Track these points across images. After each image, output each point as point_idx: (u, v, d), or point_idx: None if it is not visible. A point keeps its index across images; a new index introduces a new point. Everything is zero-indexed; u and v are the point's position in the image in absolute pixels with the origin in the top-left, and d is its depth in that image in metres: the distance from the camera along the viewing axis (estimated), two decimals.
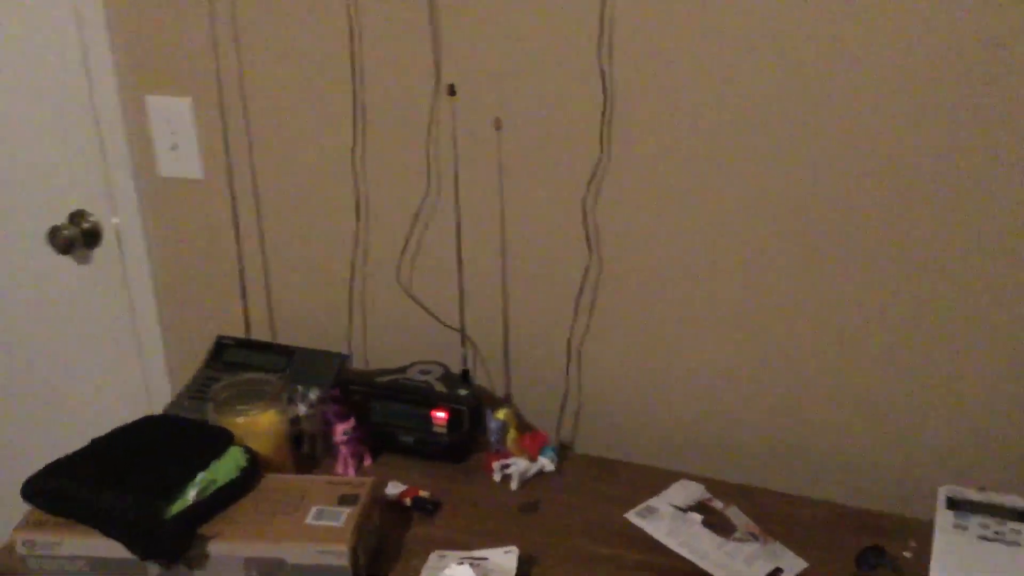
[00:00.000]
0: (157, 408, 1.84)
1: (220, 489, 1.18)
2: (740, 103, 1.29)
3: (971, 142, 1.20)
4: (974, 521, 1.19)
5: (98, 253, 1.82)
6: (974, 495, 1.23)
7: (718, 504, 1.29)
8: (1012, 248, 1.22)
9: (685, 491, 1.31)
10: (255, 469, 1.24)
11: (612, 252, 1.44)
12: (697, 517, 1.26)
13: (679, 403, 1.46)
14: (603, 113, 1.37)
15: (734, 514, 1.27)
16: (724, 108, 1.30)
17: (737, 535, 1.23)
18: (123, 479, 1.15)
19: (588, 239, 1.44)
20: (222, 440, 1.25)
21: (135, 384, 1.87)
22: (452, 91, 1.36)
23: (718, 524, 1.26)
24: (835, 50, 1.22)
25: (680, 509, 1.28)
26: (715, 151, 1.32)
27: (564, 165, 1.42)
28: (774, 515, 1.29)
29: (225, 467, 1.20)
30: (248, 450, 1.25)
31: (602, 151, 1.39)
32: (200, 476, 1.17)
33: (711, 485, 1.36)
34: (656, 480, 1.37)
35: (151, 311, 1.80)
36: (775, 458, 1.42)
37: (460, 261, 1.44)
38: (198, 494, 1.16)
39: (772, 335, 1.37)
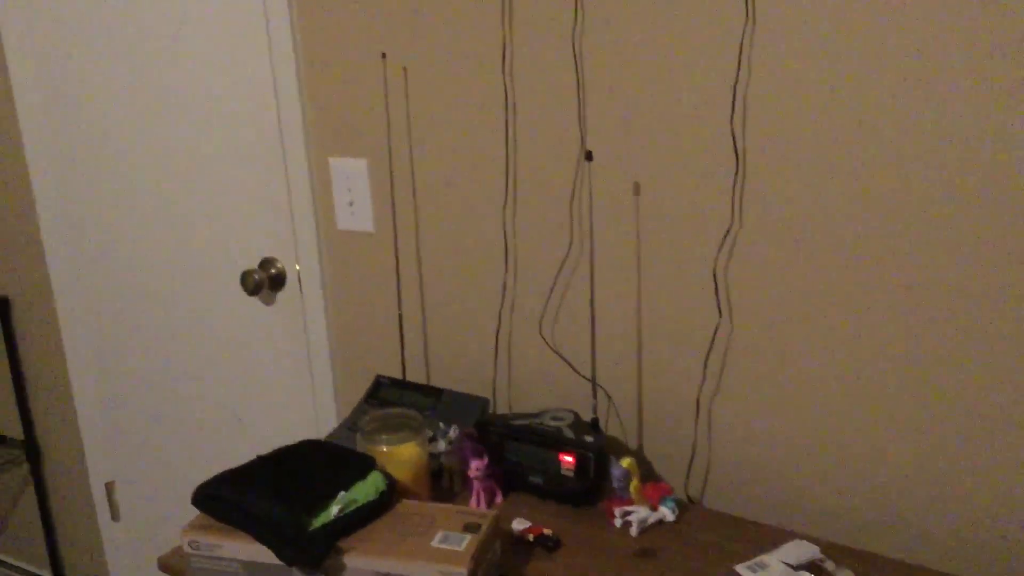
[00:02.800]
0: (323, 435, 2.02)
1: (359, 508, 1.31)
2: (873, 172, 1.33)
3: None
4: None
5: (282, 296, 2.03)
6: None
7: (830, 565, 1.31)
8: None
9: (798, 550, 1.34)
10: (392, 493, 1.36)
11: (742, 314, 1.49)
12: None
13: (804, 465, 1.49)
14: (735, 181, 1.44)
15: (843, 575, 1.28)
16: (854, 177, 1.35)
17: None
18: (277, 492, 1.30)
19: (718, 301, 1.51)
20: (365, 465, 1.39)
21: (306, 413, 2.07)
22: (589, 157, 1.47)
23: None
24: (981, 111, 1.25)
25: (791, 567, 1.31)
26: (846, 219, 1.37)
27: (697, 229, 1.50)
28: None
29: (366, 489, 1.34)
30: (387, 475, 1.38)
31: (733, 218, 1.46)
32: (342, 495, 1.31)
33: (827, 547, 1.37)
34: (773, 537, 1.41)
35: (324, 349, 1.99)
36: (896, 525, 1.42)
37: (593, 316, 1.54)
38: (340, 511, 1.29)
39: (902, 406, 1.38)
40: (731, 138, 1.43)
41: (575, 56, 1.54)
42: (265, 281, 2.01)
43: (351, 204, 1.88)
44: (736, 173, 1.44)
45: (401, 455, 1.45)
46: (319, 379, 2.02)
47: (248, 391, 2.15)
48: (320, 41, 1.82)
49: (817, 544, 1.37)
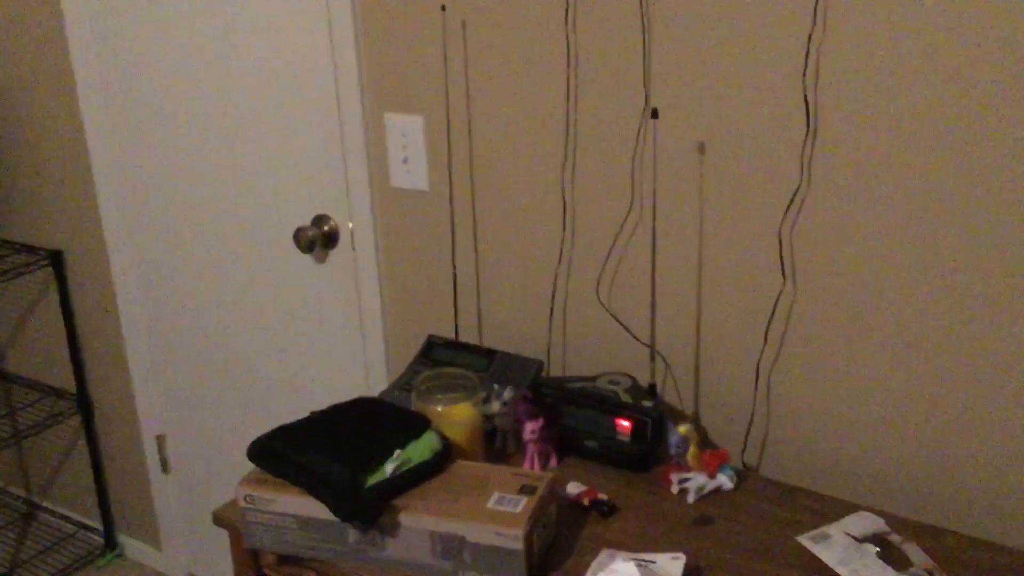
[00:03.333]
0: (373, 394, 2.02)
1: (414, 467, 1.29)
2: (954, 134, 1.28)
3: None
4: None
5: (334, 253, 2.02)
6: None
7: (896, 538, 1.27)
8: None
9: (863, 522, 1.30)
10: (447, 453, 1.35)
11: (807, 280, 1.45)
12: (872, 548, 1.25)
13: (868, 436, 1.45)
14: (804, 140, 1.39)
15: (912, 550, 1.25)
16: (932, 139, 1.29)
17: (913, 571, 1.21)
18: (332, 449, 1.29)
19: (783, 266, 1.46)
20: (420, 424, 1.37)
21: (357, 372, 2.06)
22: (655, 114, 1.43)
23: (894, 558, 1.24)
24: None
25: (855, 539, 1.27)
26: (919, 184, 1.31)
27: (763, 191, 1.45)
28: (955, 557, 1.25)
29: (420, 448, 1.32)
30: (442, 436, 1.37)
31: (801, 178, 1.41)
32: (397, 453, 1.30)
33: (892, 521, 1.34)
34: (835, 509, 1.37)
35: (376, 308, 1.97)
36: (965, 500, 1.37)
37: (653, 279, 1.50)
38: (395, 470, 1.28)
39: (974, 375, 1.33)
40: (803, 95, 1.38)
41: (641, 9, 1.49)
42: (318, 238, 1.99)
43: (406, 161, 1.85)
44: (807, 132, 1.39)
45: (455, 415, 1.43)
46: (370, 338, 2.00)
47: (299, 348, 2.15)
48: None
49: (883, 517, 1.34)
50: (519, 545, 1.21)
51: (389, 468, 1.28)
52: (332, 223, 2.00)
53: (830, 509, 1.37)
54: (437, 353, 1.74)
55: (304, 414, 1.42)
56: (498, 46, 1.66)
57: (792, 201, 1.43)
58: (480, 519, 1.23)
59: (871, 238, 1.37)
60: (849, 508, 1.37)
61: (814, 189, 1.41)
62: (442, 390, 1.45)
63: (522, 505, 1.25)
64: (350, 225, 1.97)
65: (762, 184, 1.45)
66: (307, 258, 2.06)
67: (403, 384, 1.68)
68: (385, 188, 1.90)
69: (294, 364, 2.17)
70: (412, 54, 1.77)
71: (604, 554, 1.27)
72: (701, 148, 1.50)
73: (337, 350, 2.08)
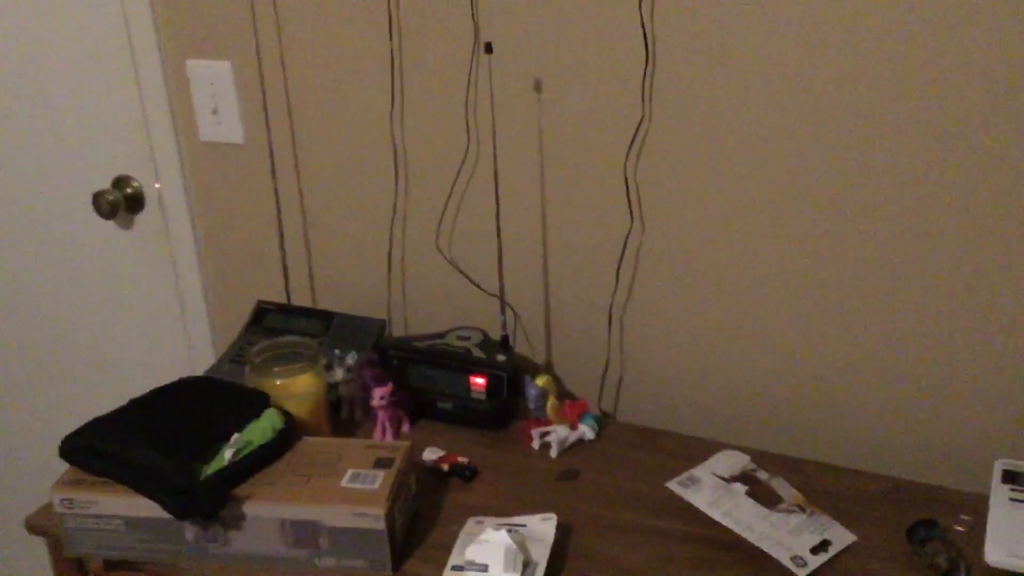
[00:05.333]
0: (199, 372, 1.85)
1: (256, 451, 1.17)
2: (790, 57, 1.24)
3: None
4: None
5: (141, 218, 1.82)
6: None
7: (763, 475, 1.26)
8: None
9: (729, 461, 1.28)
10: (291, 431, 1.23)
11: (655, 217, 1.40)
12: (741, 488, 1.22)
13: (723, 373, 1.43)
14: (644, 72, 1.33)
15: (780, 485, 1.23)
16: (771, 64, 1.25)
17: (782, 506, 1.19)
18: (160, 439, 1.14)
19: (629, 205, 1.41)
20: (258, 402, 1.24)
21: (179, 349, 1.88)
22: (489, 49, 1.33)
23: (763, 495, 1.22)
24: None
25: (723, 479, 1.25)
26: (762, 111, 1.28)
27: (605, 128, 1.38)
28: (821, 487, 1.25)
29: (261, 429, 1.19)
30: (284, 412, 1.24)
31: (644, 112, 1.35)
32: (236, 437, 1.17)
33: (756, 456, 1.32)
34: (699, 450, 1.34)
35: (194, 276, 1.80)
36: (823, 430, 1.38)
37: (499, 226, 1.41)
38: (234, 455, 1.15)
39: (823, 304, 1.33)
40: (640, 25, 1.31)
41: None
42: (121, 202, 1.80)
43: (215, 112, 1.68)
44: (646, 64, 1.33)
45: (297, 388, 1.30)
46: (191, 308, 1.83)
47: (112, 327, 1.94)
48: None
49: (747, 454, 1.32)
50: (381, 525, 1.11)
51: (228, 454, 1.15)
52: (136, 185, 1.81)
53: (694, 450, 1.35)
54: (269, 320, 1.60)
55: (123, 402, 1.26)
56: None
57: (635, 137, 1.37)
58: (335, 500, 1.12)
59: (716, 170, 1.33)
60: (713, 447, 1.35)
61: (656, 124, 1.35)
62: (279, 361, 1.32)
63: (379, 480, 1.15)
64: (156, 186, 1.78)
65: (604, 121, 1.38)
66: (110, 225, 1.86)
67: (234, 357, 1.54)
68: (194, 143, 1.73)
69: (106, 345, 1.97)
70: None
71: (471, 522, 1.19)
72: (538, 85, 1.41)
73: (155, 325, 1.89)
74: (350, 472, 1.16)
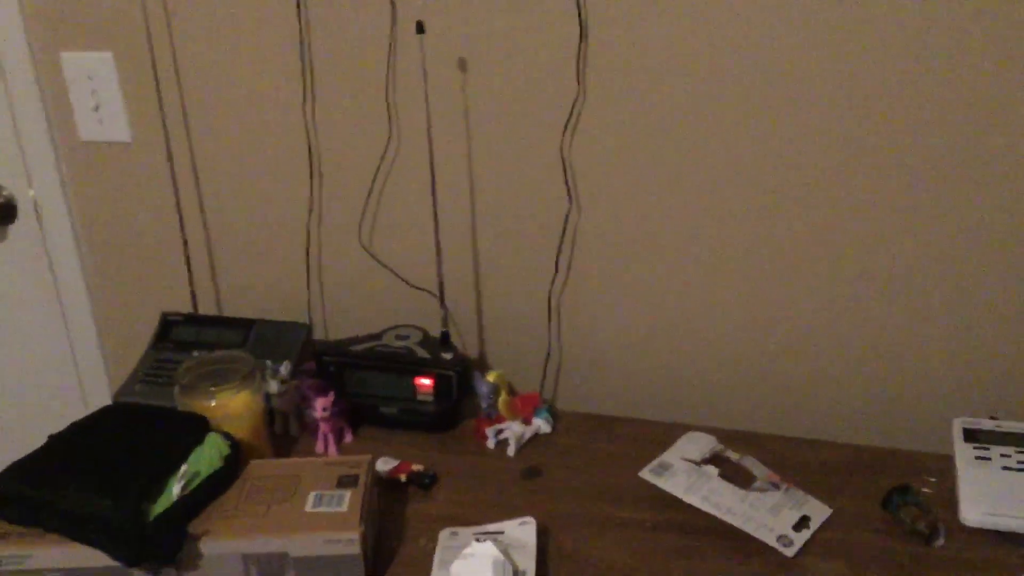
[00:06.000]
0: (93, 397, 1.69)
1: (205, 481, 1.06)
2: (731, 25, 1.21)
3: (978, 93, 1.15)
4: (995, 452, 1.16)
5: (15, 229, 1.64)
6: (989, 425, 1.21)
7: (732, 455, 1.23)
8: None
9: (696, 444, 1.25)
10: (239, 456, 1.12)
11: (594, 198, 1.35)
12: (714, 470, 1.20)
13: (673, 353, 1.40)
14: (579, 47, 1.28)
15: (751, 464, 1.21)
16: (711, 33, 1.22)
17: (757, 485, 1.17)
18: (96, 478, 1.02)
19: (567, 185, 1.36)
20: (198, 427, 1.12)
21: (66, 369, 1.71)
22: (421, 28, 1.24)
23: (736, 475, 1.20)
24: None
25: (694, 463, 1.22)
26: (702, 83, 1.25)
27: (539, 106, 1.32)
28: (790, 461, 1.24)
29: (207, 456, 1.08)
30: (228, 436, 1.13)
31: (579, 89, 1.30)
32: (182, 470, 1.05)
33: (719, 435, 1.30)
34: (658, 434, 1.31)
35: (79, 290, 1.64)
36: (783, 403, 1.37)
37: (436, 214, 1.34)
38: (182, 489, 1.04)
39: (770, 273, 1.31)
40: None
41: None
42: None
43: (96, 109, 1.52)
44: (580, 38, 1.27)
45: (235, 407, 1.19)
46: (76, 325, 1.66)
47: None
48: None
49: (711, 434, 1.29)
50: (356, 549, 1.02)
51: (176, 488, 1.03)
52: (6, 193, 1.62)
53: (655, 435, 1.31)
54: (177, 333, 1.47)
55: (11, 438, 1.12)
56: None
57: (571, 115, 1.32)
58: (302, 528, 1.03)
59: (656, 146, 1.30)
60: (672, 431, 1.32)
61: (592, 100, 1.30)
62: (211, 379, 1.20)
63: (347, 501, 1.06)
64: (31, 193, 1.61)
65: (537, 99, 1.32)
66: None
67: (144, 376, 1.40)
68: (73, 143, 1.56)
69: None
70: None
71: (445, 534, 1.12)
72: (463, 64, 1.34)
73: (37, 346, 1.71)
74: (313, 495, 1.07)
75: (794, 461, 1.24)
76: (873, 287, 1.27)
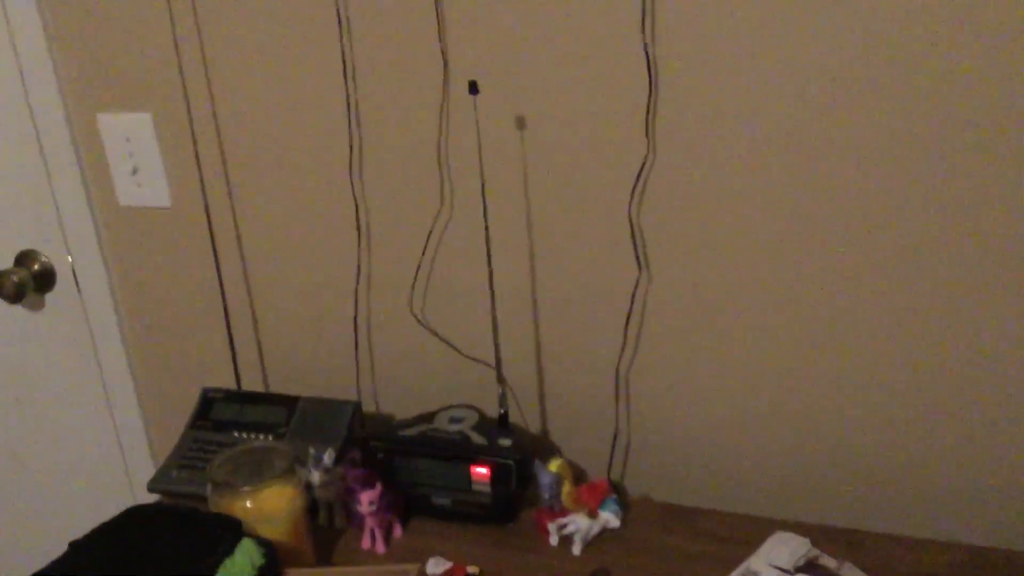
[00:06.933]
0: (136, 476, 1.61)
1: None
2: (811, 79, 1.08)
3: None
4: None
5: (53, 297, 1.57)
6: None
7: (829, 562, 1.09)
8: None
9: (786, 547, 1.11)
10: (274, 566, 1.01)
11: (665, 265, 1.23)
12: None
13: (760, 435, 1.26)
14: (648, 102, 1.16)
15: (851, 572, 1.07)
16: (789, 87, 1.09)
17: None
18: None
19: (636, 251, 1.23)
20: (229, 532, 1.02)
21: (108, 447, 1.63)
22: (474, 89, 1.13)
23: None
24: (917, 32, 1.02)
25: (786, 572, 1.07)
26: (782, 141, 1.12)
27: (604, 166, 1.20)
28: (897, 568, 1.09)
29: (238, 568, 0.98)
30: (262, 541, 1.03)
31: (648, 147, 1.18)
32: None
33: (812, 534, 1.15)
34: (743, 530, 1.17)
35: (120, 362, 1.56)
36: (888, 495, 1.22)
37: (492, 283, 1.22)
38: None
39: (868, 345, 1.17)
40: (642, 47, 1.14)
41: None
42: (28, 282, 1.54)
43: (135, 172, 1.44)
44: (650, 92, 1.15)
45: (272, 507, 1.08)
46: (118, 400, 1.58)
47: (26, 425, 1.68)
48: None
49: (802, 532, 1.15)
50: None
51: None
52: (43, 260, 1.55)
53: (737, 530, 1.17)
54: (218, 410, 1.37)
55: (49, 519, 1.03)
56: (241, 16, 1.30)
57: (639, 176, 1.20)
58: None
59: (732, 209, 1.17)
60: (758, 525, 1.18)
61: (662, 160, 1.18)
62: (247, 474, 1.10)
63: None
64: (69, 259, 1.53)
65: (602, 159, 1.20)
66: (17, 309, 1.59)
67: (182, 461, 1.31)
68: (112, 208, 1.48)
69: (21, 445, 1.70)
70: (127, 34, 1.36)
71: None
72: (520, 123, 1.23)
73: (77, 423, 1.64)
74: None
75: (895, 564, 1.09)
76: (987, 369, 1.12)
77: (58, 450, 1.67)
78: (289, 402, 1.35)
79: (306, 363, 1.46)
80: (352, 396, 1.44)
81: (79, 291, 1.54)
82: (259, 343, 1.47)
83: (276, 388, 1.49)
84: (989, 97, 1.02)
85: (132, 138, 1.42)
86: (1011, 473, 1.15)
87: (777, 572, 1.08)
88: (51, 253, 1.54)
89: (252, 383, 1.50)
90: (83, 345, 1.57)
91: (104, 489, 1.65)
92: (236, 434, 1.33)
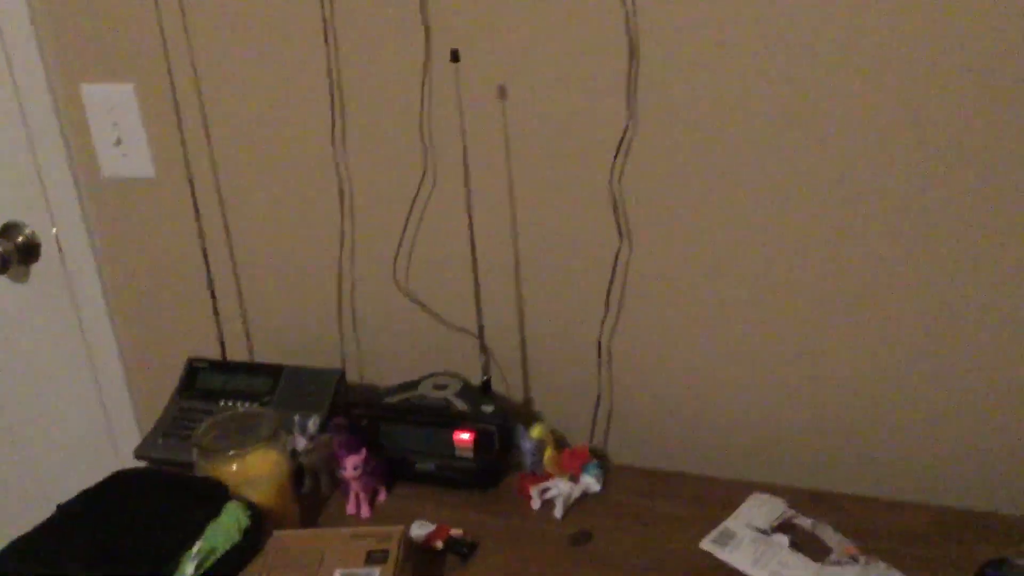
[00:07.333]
0: (123, 445, 1.62)
1: (222, 558, 0.97)
2: (791, 47, 1.09)
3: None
4: None
5: (38, 269, 1.57)
6: None
7: (804, 521, 1.11)
8: None
9: (763, 507, 1.13)
10: (259, 527, 1.03)
11: (646, 234, 1.24)
12: (784, 539, 1.08)
13: (736, 402, 1.28)
14: (629, 72, 1.17)
15: (825, 532, 1.09)
16: (771, 56, 1.10)
17: (834, 557, 1.05)
18: (104, 557, 0.93)
19: (618, 220, 1.24)
20: (216, 495, 1.03)
21: (94, 418, 1.64)
22: (455, 57, 1.14)
23: (809, 545, 1.08)
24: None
25: (762, 531, 1.10)
26: (763, 110, 1.13)
27: (586, 137, 1.22)
28: (870, 527, 1.11)
29: (224, 529, 0.99)
30: (249, 504, 1.04)
31: (629, 117, 1.19)
32: (197, 546, 0.96)
33: (784, 494, 1.18)
34: (721, 493, 1.19)
35: (105, 332, 1.56)
36: (861, 458, 1.24)
37: (474, 252, 1.23)
38: (197, 568, 0.94)
39: (847, 313, 1.19)
40: (623, 16, 1.15)
41: None
42: (12, 253, 1.54)
43: (118, 143, 1.45)
44: (630, 61, 1.16)
45: (257, 470, 1.10)
46: (105, 370, 1.59)
47: (13, 396, 1.68)
48: None
49: (778, 494, 1.17)
50: None
51: (190, 568, 0.94)
52: (28, 231, 1.55)
53: (715, 493, 1.20)
54: (203, 380, 1.38)
55: (38, 489, 1.04)
56: None
57: (620, 146, 1.21)
58: None
59: (713, 178, 1.18)
60: (735, 489, 1.20)
61: (644, 130, 1.19)
62: (232, 439, 1.11)
63: None
64: (53, 231, 1.53)
65: (584, 129, 1.21)
66: (3, 281, 1.60)
67: (168, 428, 1.32)
68: (96, 180, 1.49)
69: (9, 416, 1.70)
70: (109, 5, 1.36)
71: None
72: (502, 92, 1.24)
73: (64, 394, 1.64)
74: (339, 573, 0.97)
75: (875, 527, 1.12)
76: (966, 329, 1.14)
77: (44, 420, 1.67)
78: (274, 371, 1.36)
79: (291, 333, 1.47)
80: (337, 365, 1.45)
81: (63, 263, 1.55)
82: (244, 313, 1.48)
83: (261, 358, 1.50)
84: (973, 83, 1.04)
85: (115, 109, 1.42)
86: (981, 437, 1.18)
87: (754, 531, 1.10)
88: (35, 225, 1.54)
89: (237, 353, 1.51)
90: (68, 316, 1.58)
91: (90, 458, 1.66)
92: (222, 403, 1.34)
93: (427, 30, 1.23)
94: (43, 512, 1.00)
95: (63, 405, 1.65)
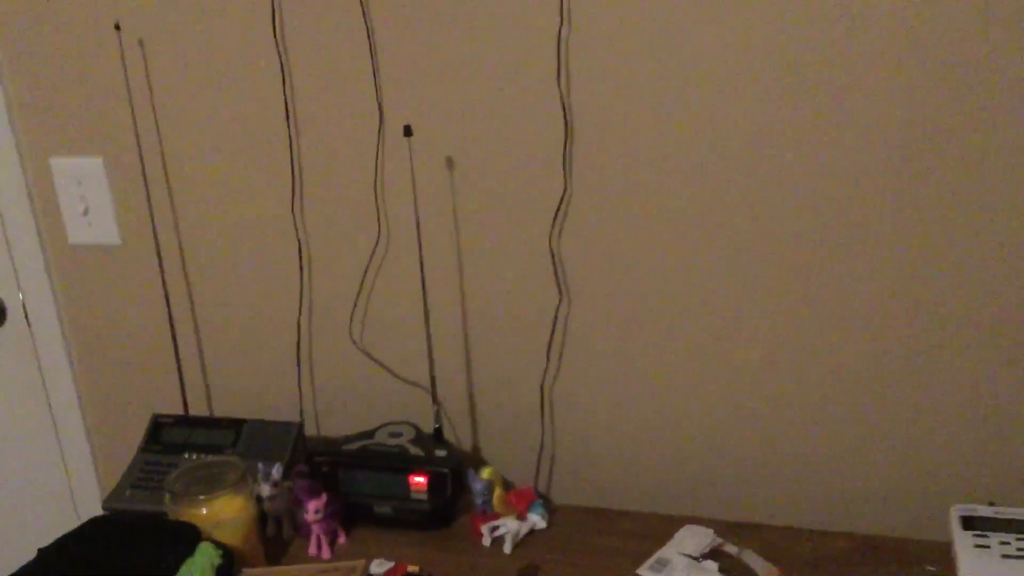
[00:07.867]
0: (83, 500, 1.67)
1: None
2: (712, 121, 1.24)
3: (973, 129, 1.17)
4: (994, 540, 1.15)
5: (4, 332, 1.64)
6: (987, 512, 1.20)
7: (731, 548, 1.22)
8: (1016, 247, 1.19)
9: (694, 537, 1.24)
10: (230, 566, 1.10)
11: (584, 291, 1.36)
12: (713, 565, 1.18)
13: (670, 442, 1.39)
14: (565, 143, 1.30)
15: (750, 558, 1.20)
16: (693, 129, 1.24)
17: None
18: None
19: (557, 279, 1.36)
20: (189, 536, 1.11)
21: (55, 474, 1.69)
22: (408, 132, 1.26)
23: (736, 570, 1.19)
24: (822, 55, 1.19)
25: (693, 558, 1.20)
26: (686, 178, 1.27)
27: (527, 202, 1.34)
28: (790, 553, 1.22)
29: (199, 568, 1.07)
30: (220, 545, 1.12)
31: (566, 185, 1.32)
32: None
33: (716, 526, 1.29)
34: (656, 527, 1.30)
35: (68, 392, 1.63)
36: (778, 492, 1.36)
37: (427, 310, 1.34)
38: None
39: (766, 362, 1.32)
40: (558, 95, 1.28)
41: (362, 7, 1.31)
42: None
43: (86, 213, 1.53)
44: (566, 135, 1.29)
45: (227, 514, 1.18)
46: (67, 428, 1.65)
47: None
48: (25, 12, 1.45)
49: (701, 523, 1.28)
50: None
51: None
52: None
53: (650, 527, 1.30)
54: (168, 435, 1.45)
55: (8, 543, 1.10)
56: (190, 65, 1.41)
57: (559, 210, 1.33)
58: None
59: (644, 239, 1.31)
60: (670, 523, 1.30)
61: (579, 196, 1.32)
62: (201, 486, 1.19)
63: None
64: (20, 296, 1.60)
65: (526, 195, 1.34)
66: None
67: (135, 481, 1.38)
68: (63, 246, 1.57)
69: None
70: (81, 84, 1.46)
71: None
72: (450, 163, 1.36)
73: (27, 453, 1.69)
74: None
75: (794, 552, 1.23)
76: (872, 375, 1.28)
77: (5, 477, 1.72)
78: (236, 425, 1.44)
79: (252, 390, 1.55)
80: (295, 419, 1.53)
81: (29, 326, 1.61)
82: (205, 372, 1.56)
83: (222, 414, 1.58)
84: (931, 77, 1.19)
85: (84, 181, 1.51)
86: (896, 469, 1.31)
87: (686, 559, 1.20)
88: (2, 289, 1.61)
89: (198, 410, 1.58)
90: (32, 378, 1.64)
91: (50, 515, 1.71)
92: (186, 455, 1.42)
93: (380, 107, 1.35)
94: (2, 567, 1.06)
95: (25, 463, 1.70)
